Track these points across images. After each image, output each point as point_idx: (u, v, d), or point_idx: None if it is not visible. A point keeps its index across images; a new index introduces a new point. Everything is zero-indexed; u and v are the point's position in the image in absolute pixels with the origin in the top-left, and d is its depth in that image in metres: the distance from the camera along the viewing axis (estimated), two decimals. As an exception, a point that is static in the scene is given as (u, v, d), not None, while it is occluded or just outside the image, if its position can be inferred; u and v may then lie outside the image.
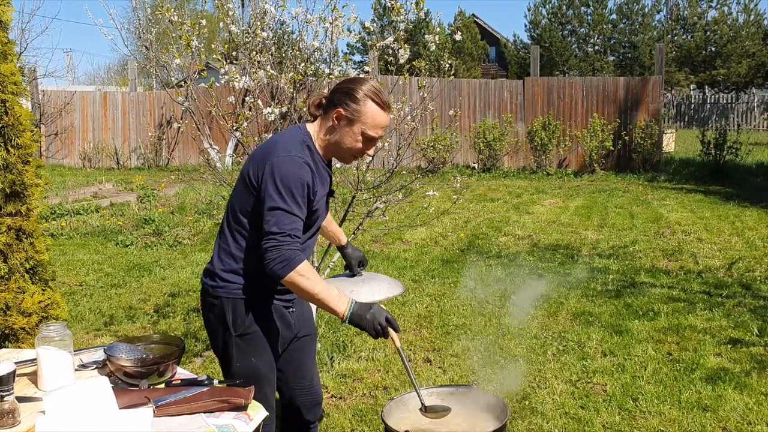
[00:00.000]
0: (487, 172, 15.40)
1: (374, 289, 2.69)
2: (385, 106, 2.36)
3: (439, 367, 4.50)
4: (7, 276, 3.02)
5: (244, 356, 2.43)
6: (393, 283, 2.83)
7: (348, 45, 30.00)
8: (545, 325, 5.29)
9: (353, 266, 2.82)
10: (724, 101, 30.02)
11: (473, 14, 36.69)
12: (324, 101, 2.43)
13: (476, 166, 15.32)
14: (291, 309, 2.55)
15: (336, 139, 2.39)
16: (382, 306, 2.31)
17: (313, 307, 2.91)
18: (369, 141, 2.38)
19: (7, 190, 3.03)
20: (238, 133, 4.31)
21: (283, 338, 2.53)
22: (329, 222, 2.85)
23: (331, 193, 2.56)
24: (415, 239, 8.42)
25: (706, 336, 4.96)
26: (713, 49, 31.54)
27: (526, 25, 33.93)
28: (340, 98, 2.37)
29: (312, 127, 2.44)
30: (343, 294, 2.30)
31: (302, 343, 2.68)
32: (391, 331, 2.29)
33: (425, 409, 2.38)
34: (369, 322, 2.24)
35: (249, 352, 2.43)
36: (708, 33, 31.44)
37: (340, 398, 4.05)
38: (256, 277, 2.38)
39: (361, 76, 2.51)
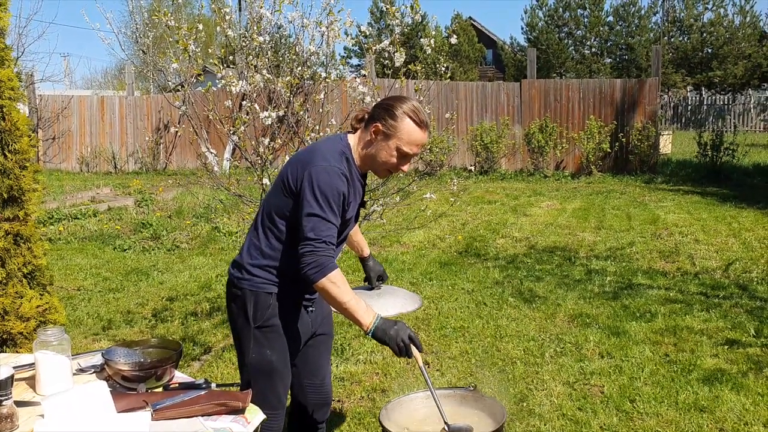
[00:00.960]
0: (485, 174, 15.43)
1: (388, 303, 2.69)
2: (422, 124, 2.41)
3: (437, 370, 4.50)
4: (4, 281, 3.03)
5: (261, 348, 2.49)
6: (409, 299, 2.83)
7: (345, 48, 30.06)
8: (543, 327, 5.30)
9: (372, 279, 2.89)
10: (721, 103, 30.10)
11: (470, 17, 36.78)
12: (366, 116, 2.50)
13: (473, 168, 15.34)
14: (311, 309, 2.62)
15: (372, 152, 2.44)
16: (406, 324, 2.33)
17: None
18: (403, 157, 2.42)
19: (5, 195, 3.04)
20: (235, 137, 4.32)
21: (303, 337, 2.61)
22: (355, 232, 2.88)
23: (362, 204, 2.60)
24: (412, 242, 8.44)
25: (703, 337, 4.97)
26: (710, 50, 31.61)
27: (522, 28, 33.94)
28: (380, 113, 2.43)
29: (352, 139, 2.51)
30: (370, 308, 2.34)
31: (318, 342, 2.72)
32: (414, 350, 2.32)
33: (449, 428, 2.34)
34: (392, 338, 2.27)
35: (266, 345, 2.49)
36: (704, 35, 31.51)
37: (338, 401, 4.05)
38: (283, 276, 2.46)
39: (399, 96, 2.53)
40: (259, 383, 2.51)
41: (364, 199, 2.63)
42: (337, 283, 2.28)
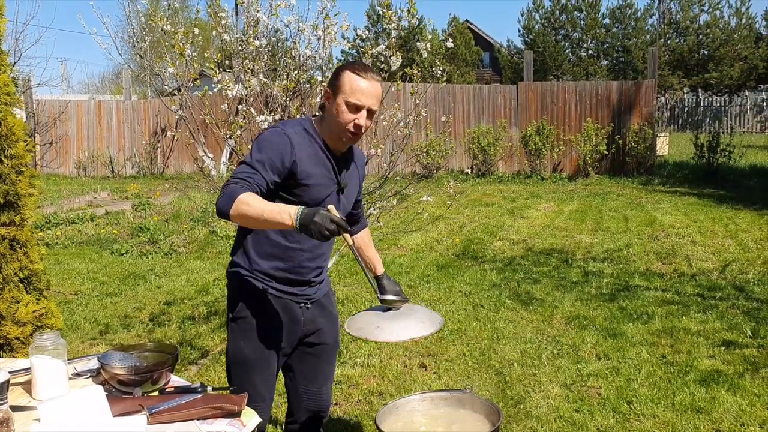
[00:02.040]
0: (482, 177, 15.44)
1: (402, 326, 2.52)
2: (363, 73, 2.39)
3: (434, 372, 4.51)
4: (1, 286, 3.03)
5: (235, 339, 2.55)
6: (428, 320, 2.62)
7: (342, 52, 30.09)
8: (540, 329, 5.30)
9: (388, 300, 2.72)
10: (717, 104, 30.14)
11: (467, 20, 36.77)
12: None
13: (470, 171, 15.35)
14: (303, 305, 2.59)
15: (329, 116, 2.44)
16: (327, 211, 2.18)
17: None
18: (355, 109, 2.38)
19: (1, 201, 3.04)
20: (232, 141, 4.33)
21: (287, 332, 2.57)
22: (366, 246, 2.82)
23: (341, 189, 2.52)
24: (410, 245, 8.44)
25: (700, 338, 4.98)
26: (706, 52, 31.66)
27: (519, 31, 34.03)
28: (330, 79, 2.49)
29: (317, 120, 2.53)
30: (287, 207, 2.20)
31: (320, 351, 2.69)
32: (344, 234, 2.22)
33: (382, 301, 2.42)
34: (315, 228, 2.11)
35: (239, 336, 2.54)
36: (700, 37, 31.57)
37: (336, 404, 4.05)
38: (256, 262, 2.50)
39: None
40: (236, 376, 2.56)
41: (340, 183, 2.51)
42: (248, 202, 2.20)
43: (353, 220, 2.81)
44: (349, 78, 2.37)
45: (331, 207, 2.21)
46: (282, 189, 2.40)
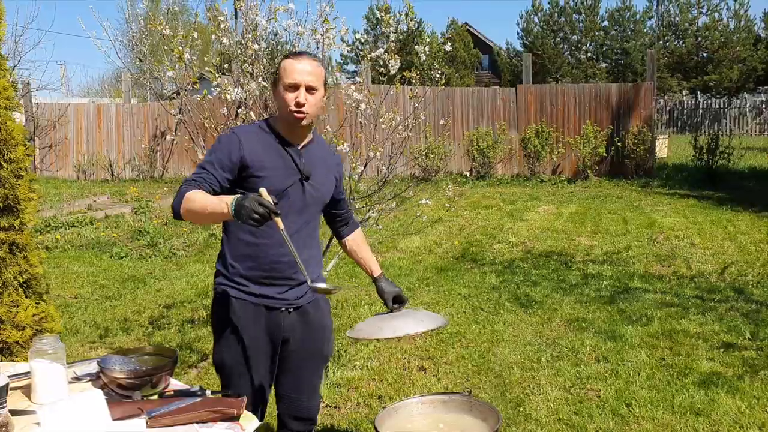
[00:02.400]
0: (481, 179, 15.45)
1: (400, 324, 2.52)
2: (294, 56, 2.48)
3: (433, 375, 4.51)
4: (0, 290, 3.03)
5: (217, 344, 2.60)
6: (426, 319, 2.61)
7: (342, 55, 30.11)
8: (539, 331, 5.31)
9: (387, 302, 2.69)
10: (717, 106, 30.18)
11: (466, 23, 36.83)
12: None
13: (470, 173, 15.36)
14: (284, 310, 2.56)
15: (278, 108, 2.53)
16: (258, 195, 2.21)
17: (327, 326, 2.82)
18: (291, 88, 2.43)
19: (0, 205, 3.04)
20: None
21: (267, 337, 2.56)
22: (359, 247, 2.82)
23: (304, 178, 2.51)
24: (409, 247, 8.45)
25: (699, 340, 4.99)
26: (705, 54, 31.68)
27: (518, 33, 33.98)
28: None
29: (273, 119, 2.60)
30: (226, 197, 2.25)
31: (300, 358, 2.66)
32: (274, 217, 2.20)
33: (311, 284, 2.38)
34: (245, 212, 2.13)
35: (219, 341, 2.59)
36: (699, 39, 31.60)
37: (335, 407, 4.06)
38: (232, 265, 2.53)
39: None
40: (222, 381, 2.62)
41: (303, 172, 2.50)
42: (193, 199, 2.30)
43: (340, 222, 2.82)
44: (283, 64, 2.48)
45: (262, 190, 2.24)
46: (240, 184, 2.45)
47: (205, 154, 2.51)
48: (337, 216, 2.80)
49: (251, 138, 2.48)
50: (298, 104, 2.43)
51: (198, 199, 2.30)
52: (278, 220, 2.21)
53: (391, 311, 2.65)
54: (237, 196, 2.20)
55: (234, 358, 2.55)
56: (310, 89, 2.44)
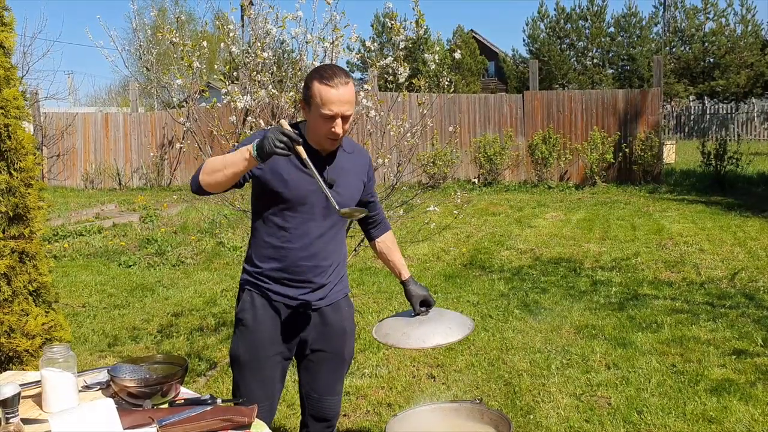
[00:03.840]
0: (489, 186, 15.43)
1: (428, 332, 2.50)
2: (329, 80, 2.36)
3: (443, 383, 4.49)
4: (10, 299, 3.04)
5: (236, 341, 2.63)
6: (456, 326, 2.58)
7: (348, 63, 30.17)
8: (549, 339, 5.28)
9: (414, 305, 2.69)
10: (724, 112, 30.09)
11: (471, 29, 36.90)
12: None
13: (477, 180, 15.34)
14: (303, 312, 2.58)
15: (308, 125, 2.49)
16: (276, 126, 2.25)
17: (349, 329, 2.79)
18: (328, 119, 2.39)
19: (10, 214, 3.05)
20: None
21: (284, 337, 2.58)
22: (390, 250, 2.81)
23: (328, 184, 2.48)
24: (417, 255, 8.43)
25: (710, 347, 4.95)
26: (712, 60, 31.60)
27: (524, 40, 34.01)
28: (303, 89, 2.49)
29: (303, 124, 2.58)
30: (245, 146, 2.30)
31: (320, 359, 2.68)
32: (297, 147, 2.24)
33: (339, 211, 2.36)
34: (268, 144, 2.18)
35: (237, 336, 2.62)
36: (706, 44, 31.54)
37: (345, 415, 4.04)
38: (257, 265, 2.56)
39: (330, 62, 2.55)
40: (234, 375, 2.64)
41: (325, 177, 2.48)
42: (211, 161, 2.36)
43: (371, 223, 2.80)
44: (318, 90, 2.37)
45: (282, 122, 2.28)
46: (263, 184, 2.47)
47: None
48: (368, 218, 2.78)
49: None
50: (334, 134, 2.41)
51: (217, 158, 2.35)
52: (300, 148, 2.25)
53: (418, 314, 2.66)
54: (255, 142, 2.24)
55: (249, 352, 2.58)
56: (345, 118, 2.41)
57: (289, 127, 2.24)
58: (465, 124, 16.16)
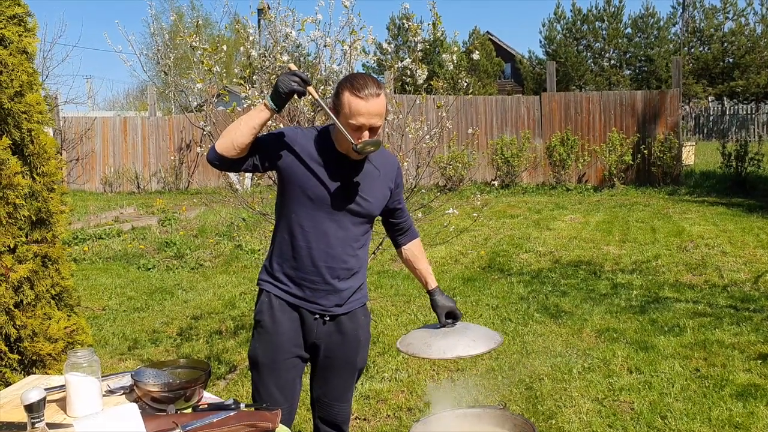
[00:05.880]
0: (506, 188, 15.36)
1: (451, 343, 2.44)
2: (359, 90, 2.34)
3: (463, 388, 4.46)
4: (33, 302, 3.05)
5: (253, 343, 2.62)
6: (480, 339, 2.51)
7: (363, 66, 30.21)
8: (570, 342, 5.23)
9: (440, 316, 2.64)
10: (744, 112, 29.76)
11: (487, 31, 36.85)
12: None
13: (497, 182, 15.24)
14: (318, 317, 2.56)
15: (336, 131, 2.46)
16: (287, 71, 2.34)
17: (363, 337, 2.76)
18: (357, 130, 2.37)
19: (33, 218, 3.07)
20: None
21: (299, 339, 2.57)
22: (416, 258, 2.77)
23: (352, 187, 2.50)
24: (434, 258, 8.40)
25: (735, 351, 4.88)
26: (731, 60, 31.30)
27: (540, 41, 34.03)
28: (332, 95, 2.49)
29: (333, 127, 2.56)
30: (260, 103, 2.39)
31: (331, 365, 2.65)
32: (309, 87, 2.34)
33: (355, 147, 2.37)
34: (282, 85, 2.28)
35: (255, 338, 2.61)
36: (725, 44, 31.24)
37: (364, 420, 4.02)
38: (275, 265, 2.57)
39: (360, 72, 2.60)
40: (253, 377, 2.64)
41: (350, 181, 2.49)
42: (227, 127, 2.40)
43: (398, 230, 2.78)
44: (348, 100, 2.35)
45: (291, 65, 2.40)
46: (288, 177, 2.48)
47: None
48: (395, 225, 2.76)
49: (309, 136, 2.51)
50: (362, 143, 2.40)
51: (232, 124, 2.38)
52: (310, 88, 2.32)
53: (443, 326, 2.60)
54: (268, 95, 2.33)
55: (267, 354, 2.57)
56: (373, 129, 2.39)
57: (295, 68, 2.33)
58: (482, 126, 16.10)
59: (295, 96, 2.38)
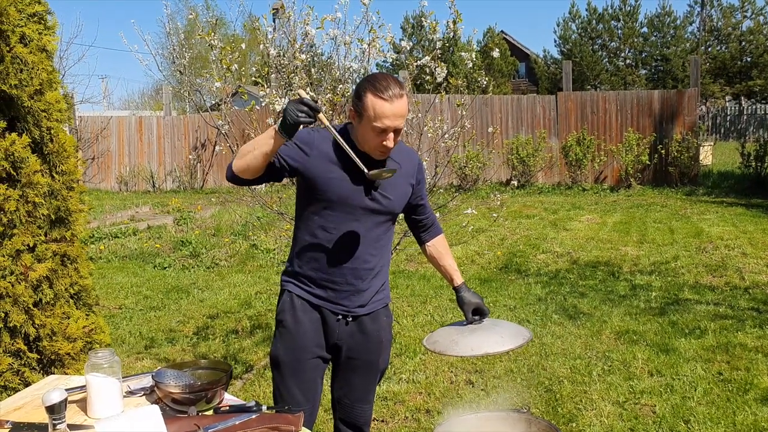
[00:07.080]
0: (522, 188, 15.27)
1: (479, 340, 2.38)
2: (383, 92, 2.30)
3: (481, 389, 4.42)
4: (52, 301, 3.04)
5: (275, 343, 2.59)
6: (508, 336, 2.44)
7: (378, 65, 30.18)
8: (589, 344, 5.17)
9: (466, 313, 2.57)
10: (762, 112, 29.47)
11: (502, 31, 36.69)
12: None
13: (515, 182, 15.14)
14: (340, 318, 2.54)
15: (358, 134, 2.42)
16: (295, 99, 2.25)
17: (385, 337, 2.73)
18: (381, 132, 2.34)
19: (53, 217, 3.05)
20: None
21: (321, 339, 2.55)
22: (440, 254, 2.73)
23: (373, 187, 2.46)
24: (451, 258, 8.33)
25: (758, 354, 4.80)
26: (749, 59, 31.01)
27: (555, 41, 33.87)
28: (353, 97, 2.43)
29: (352, 127, 2.51)
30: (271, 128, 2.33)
31: (353, 365, 2.63)
32: (319, 115, 2.25)
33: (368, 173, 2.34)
34: (289, 114, 2.19)
35: (278, 338, 2.58)
36: (743, 43, 30.96)
37: (383, 421, 3.99)
38: (298, 264, 2.54)
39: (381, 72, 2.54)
40: (274, 378, 2.61)
41: (370, 182, 2.45)
42: (243, 146, 2.38)
43: (421, 227, 2.74)
44: (371, 102, 2.30)
45: (300, 91, 2.30)
46: (307, 181, 2.44)
47: None
48: (418, 221, 2.73)
49: (328, 138, 2.46)
50: (385, 147, 2.37)
51: (246, 145, 2.36)
52: (321, 116, 2.25)
53: (470, 323, 2.54)
54: (279, 123, 2.26)
55: (288, 354, 2.55)
56: (397, 131, 2.36)
57: (307, 96, 2.23)
58: (497, 125, 16.01)
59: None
